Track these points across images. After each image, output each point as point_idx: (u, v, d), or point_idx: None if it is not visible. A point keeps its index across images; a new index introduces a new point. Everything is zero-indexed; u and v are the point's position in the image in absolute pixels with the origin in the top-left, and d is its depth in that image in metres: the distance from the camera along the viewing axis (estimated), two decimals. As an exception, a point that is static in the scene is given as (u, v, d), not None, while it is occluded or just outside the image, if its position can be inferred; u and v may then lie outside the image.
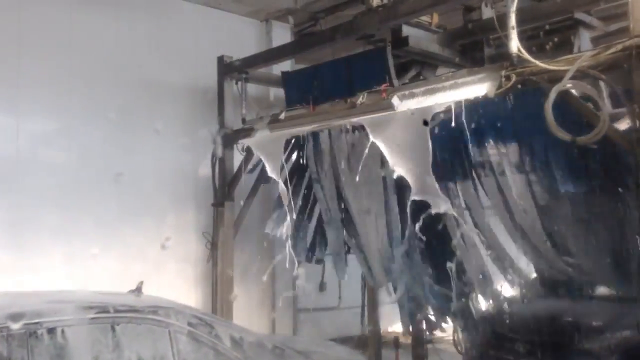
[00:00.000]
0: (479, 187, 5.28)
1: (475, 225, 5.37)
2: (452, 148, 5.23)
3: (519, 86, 4.05)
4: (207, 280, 6.65)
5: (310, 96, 5.43)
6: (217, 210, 6.45)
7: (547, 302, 5.65)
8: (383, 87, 4.81)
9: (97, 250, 6.09)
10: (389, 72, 5.03)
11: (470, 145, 4.97)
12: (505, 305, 5.66)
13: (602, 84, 3.83)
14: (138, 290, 4.00)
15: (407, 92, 4.72)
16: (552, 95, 3.70)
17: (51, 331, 3.07)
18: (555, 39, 4.73)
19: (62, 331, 3.09)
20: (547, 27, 4.75)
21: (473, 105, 4.46)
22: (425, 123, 4.65)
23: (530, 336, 5.25)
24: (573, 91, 3.82)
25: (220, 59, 6.48)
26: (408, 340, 6.78)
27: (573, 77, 3.70)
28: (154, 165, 6.61)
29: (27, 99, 5.84)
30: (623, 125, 4.05)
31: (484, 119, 4.82)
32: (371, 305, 7.16)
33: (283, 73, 6.25)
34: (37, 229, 5.72)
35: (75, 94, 6.11)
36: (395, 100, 4.68)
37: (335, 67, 5.57)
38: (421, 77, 5.57)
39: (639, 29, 3.49)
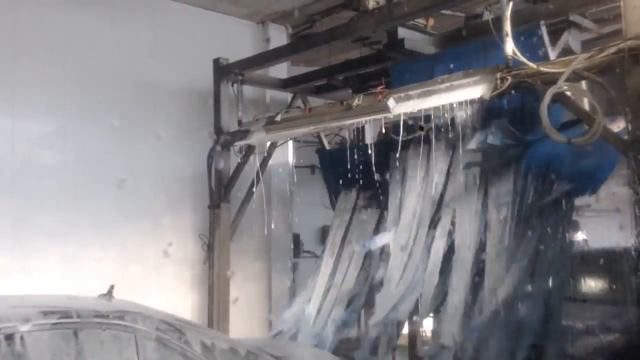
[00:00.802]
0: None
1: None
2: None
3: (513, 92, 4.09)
4: (203, 281, 6.65)
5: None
6: (213, 212, 6.45)
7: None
8: (379, 89, 4.82)
9: (93, 252, 6.11)
10: None
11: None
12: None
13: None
14: (109, 294, 3.86)
15: (402, 95, 4.73)
16: (547, 97, 3.72)
17: (9, 337, 2.90)
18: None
19: (21, 337, 2.92)
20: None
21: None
22: (421, 128, 4.66)
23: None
24: (568, 93, 3.85)
25: (217, 61, 6.49)
26: (404, 342, 6.78)
27: (568, 79, 3.72)
28: (151, 167, 6.61)
29: (23, 101, 5.83)
30: (616, 127, 4.09)
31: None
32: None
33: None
34: (33, 231, 5.71)
35: (72, 96, 6.10)
36: (391, 102, 4.69)
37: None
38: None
39: (632, 32, 3.51)
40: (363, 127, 7.06)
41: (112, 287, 3.91)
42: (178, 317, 3.91)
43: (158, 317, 3.52)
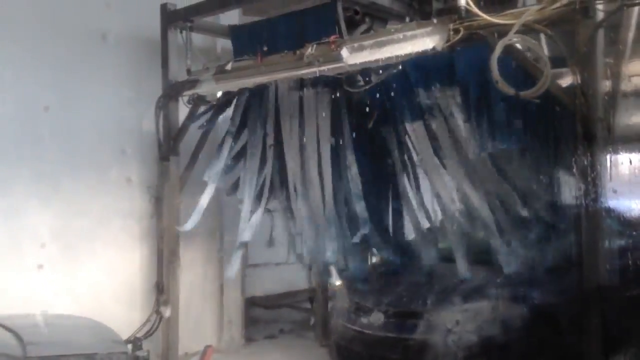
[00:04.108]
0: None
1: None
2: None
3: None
4: (152, 235, 6.53)
5: (259, 51, 5.30)
6: (162, 165, 6.29)
7: (410, 267, 5.39)
8: (332, 38, 4.74)
9: (35, 205, 5.88)
10: (340, 26, 4.96)
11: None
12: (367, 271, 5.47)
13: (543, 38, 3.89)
14: None
15: (356, 45, 4.69)
16: (498, 49, 3.74)
17: None
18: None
19: None
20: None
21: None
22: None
23: (387, 305, 4.98)
24: (518, 45, 3.87)
25: (164, 7, 6.20)
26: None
27: (519, 32, 3.73)
28: (96, 118, 6.33)
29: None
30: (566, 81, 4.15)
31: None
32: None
33: (231, 27, 6.07)
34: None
35: (10, 45, 5.72)
36: (344, 52, 4.64)
37: (286, 22, 5.42)
38: (372, 31, 5.51)
39: (582, -17, 3.53)
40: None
41: None
42: None
43: None
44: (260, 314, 8.16)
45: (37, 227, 5.88)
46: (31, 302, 5.63)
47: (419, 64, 4.79)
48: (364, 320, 4.99)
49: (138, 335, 6.22)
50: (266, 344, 7.30)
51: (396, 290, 5.09)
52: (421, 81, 4.93)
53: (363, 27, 5.48)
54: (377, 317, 4.88)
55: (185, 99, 6.15)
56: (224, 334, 7.14)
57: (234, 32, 5.91)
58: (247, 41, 5.60)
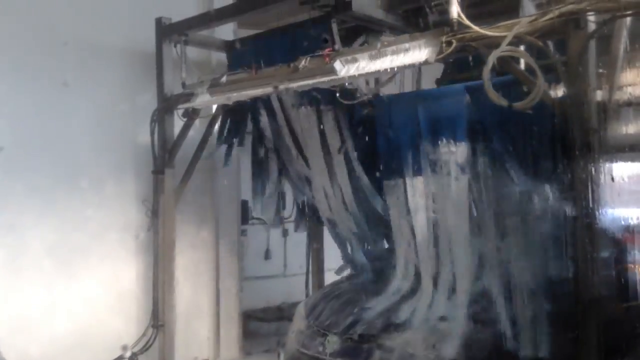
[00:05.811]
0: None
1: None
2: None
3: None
4: (148, 249, 6.51)
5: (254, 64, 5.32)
6: (157, 178, 6.29)
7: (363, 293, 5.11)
8: (326, 51, 4.75)
9: (30, 219, 5.87)
10: (334, 41, 4.97)
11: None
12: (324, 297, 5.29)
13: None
14: None
15: (349, 57, 4.68)
16: (490, 61, 3.74)
17: None
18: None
19: None
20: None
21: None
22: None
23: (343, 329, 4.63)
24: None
25: (159, 21, 6.24)
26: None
27: (511, 43, 3.74)
28: (91, 131, 6.33)
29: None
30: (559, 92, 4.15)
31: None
32: (316, 272, 7.24)
33: (226, 42, 6.21)
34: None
35: (5, 56, 5.76)
36: (337, 64, 4.63)
37: (280, 37, 5.53)
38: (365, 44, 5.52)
39: (574, -5, 3.54)
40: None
41: None
42: None
43: None
44: (258, 327, 8.12)
45: (32, 241, 5.86)
46: (31, 318, 5.65)
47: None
48: (318, 345, 4.66)
49: (134, 350, 6.22)
50: (264, 358, 7.25)
51: (354, 312, 4.76)
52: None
53: (359, 41, 5.52)
54: (333, 341, 4.57)
55: (180, 112, 6.16)
56: (221, 347, 7.10)
57: (230, 49, 6.10)
58: (242, 57, 5.74)
